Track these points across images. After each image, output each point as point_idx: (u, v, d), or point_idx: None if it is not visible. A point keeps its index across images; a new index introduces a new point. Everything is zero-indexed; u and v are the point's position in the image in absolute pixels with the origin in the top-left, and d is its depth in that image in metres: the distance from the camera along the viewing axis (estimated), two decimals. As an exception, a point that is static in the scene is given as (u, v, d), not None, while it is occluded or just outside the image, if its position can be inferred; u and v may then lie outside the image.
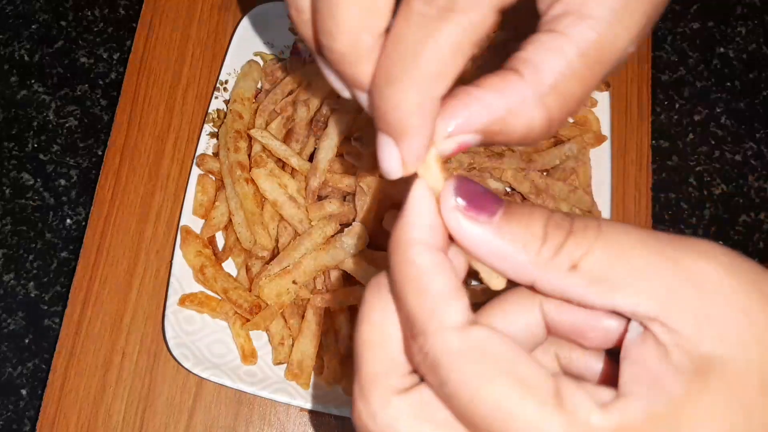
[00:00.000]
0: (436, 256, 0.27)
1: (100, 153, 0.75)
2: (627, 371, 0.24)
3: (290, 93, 0.68)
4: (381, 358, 0.27)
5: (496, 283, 0.27)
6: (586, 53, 0.29)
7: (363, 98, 0.30)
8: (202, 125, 0.69)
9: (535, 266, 0.26)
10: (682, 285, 0.24)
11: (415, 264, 0.26)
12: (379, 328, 0.28)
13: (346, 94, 0.32)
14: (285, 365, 0.62)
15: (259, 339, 0.63)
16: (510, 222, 0.26)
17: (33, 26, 0.79)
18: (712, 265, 0.24)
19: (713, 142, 0.77)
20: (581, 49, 0.29)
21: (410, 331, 0.27)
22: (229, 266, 0.66)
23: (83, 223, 0.72)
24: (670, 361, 0.23)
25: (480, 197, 0.27)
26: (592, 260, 0.25)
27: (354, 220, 0.61)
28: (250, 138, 0.66)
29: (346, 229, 0.59)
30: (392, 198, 0.61)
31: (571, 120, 0.70)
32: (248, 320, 0.61)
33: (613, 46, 0.30)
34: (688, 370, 0.23)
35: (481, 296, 0.49)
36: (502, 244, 0.26)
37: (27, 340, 0.69)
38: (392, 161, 0.29)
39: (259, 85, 0.70)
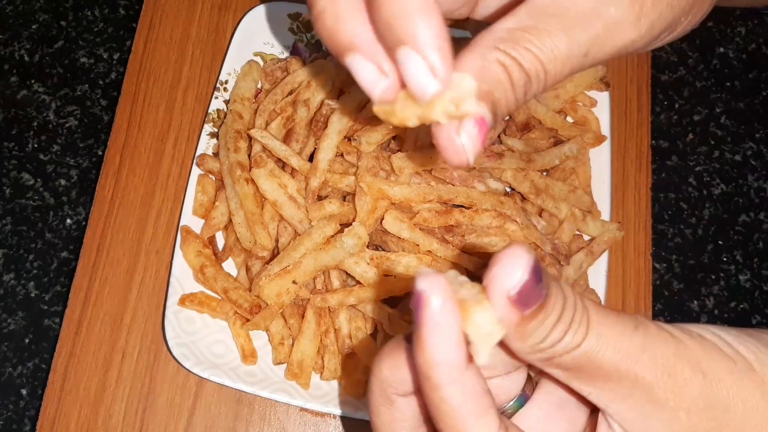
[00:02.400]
0: (466, 391, 0.28)
1: (100, 153, 0.75)
2: None
3: (290, 93, 0.68)
4: None
5: (482, 358, 0.28)
6: (536, 9, 0.31)
7: None
8: (202, 125, 0.69)
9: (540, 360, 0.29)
10: (646, 403, 0.28)
11: (446, 402, 0.28)
12: (388, 425, 0.31)
13: None
14: (285, 365, 0.62)
15: (259, 339, 0.63)
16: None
17: (33, 26, 0.79)
18: (678, 385, 0.28)
19: (713, 142, 0.77)
20: (532, 6, 0.31)
21: None
22: (229, 266, 0.66)
23: (83, 223, 0.72)
24: None
25: (530, 296, 0.27)
26: (577, 355, 0.28)
27: (354, 220, 0.61)
28: (250, 138, 0.66)
29: (346, 229, 0.59)
30: (392, 198, 0.61)
31: (570, 119, 0.70)
32: (248, 320, 0.61)
33: (571, 2, 0.32)
34: None
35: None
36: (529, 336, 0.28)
37: (27, 340, 0.69)
38: (421, 70, 0.29)
39: (259, 85, 0.70)
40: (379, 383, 0.31)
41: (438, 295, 0.27)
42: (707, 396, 0.28)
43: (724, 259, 0.73)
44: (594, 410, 0.33)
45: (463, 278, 0.29)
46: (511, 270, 0.27)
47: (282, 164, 0.65)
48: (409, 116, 0.31)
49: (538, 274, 0.27)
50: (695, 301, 0.71)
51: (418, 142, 0.63)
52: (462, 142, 0.30)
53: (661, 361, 0.28)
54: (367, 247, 0.60)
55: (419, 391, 0.30)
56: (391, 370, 0.30)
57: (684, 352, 0.28)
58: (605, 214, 0.67)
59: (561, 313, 0.27)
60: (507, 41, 0.31)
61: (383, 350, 0.31)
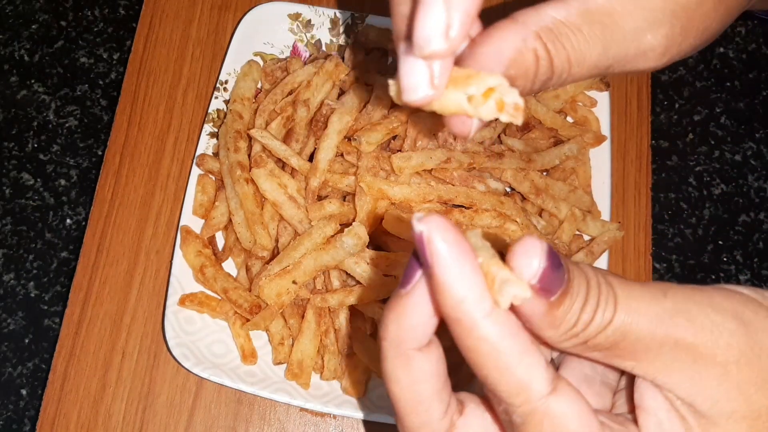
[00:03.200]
0: (503, 324, 0.26)
1: (100, 153, 0.75)
2: (646, 423, 0.29)
3: (290, 93, 0.68)
4: (420, 418, 0.29)
5: (504, 302, 0.27)
6: (587, 11, 0.31)
7: None
8: (202, 125, 0.69)
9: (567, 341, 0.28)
10: (693, 364, 0.28)
11: (485, 340, 0.26)
12: (409, 389, 0.29)
13: None
14: (285, 365, 0.62)
15: (259, 339, 0.63)
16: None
17: (33, 26, 0.79)
18: (723, 338, 0.27)
19: (713, 142, 0.77)
20: (585, 6, 0.31)
21: (491, 393, 0.28)
22: (229, 266, 0.66)
23: (83, 223, 0.72)
24: (681, 421, 0.28)
25: (552, 280, 0.27)
26: (611, 332, 0.28)
27: (354, 220, 0.61)
28: (250, 138, 0.66)
29: (346, 229, 0.59)
30: (391, 198, 0.61)
31: (570, 119, 0.70)
32: (248, 320, 0.61)
33: (619, 17, 0.32)
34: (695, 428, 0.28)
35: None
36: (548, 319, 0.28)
37: (27, 340, 0.69)
38: (438, 24, 0.28)
39: (259, 85, 0.70)
40: (390, 344, 0.29)
41: (439, 230, 0.26)
42: (754, 345, 0.27)
43: (724, 259, 0.73)
44: (628, 382, 0.33)
45: (487, 243, 0.28)
46: (528, 260, 0.26)
47: (282, 164, 0.65)
48: (445, 109, 0.30)
49: (555, 259, 0.26)
50: (695, 301, 0.71)
51: (418, 142, 0.63)
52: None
53: (700, 319, 0.27)
54: (367, 247, 0.60)
55: (438, 331, 0.29)
56: (398, 323, 0.29)
57: (724, 305, 0.28)
58: (605, 214, 0.67)
59: (587, 294, 0.27)
60: (550, 32, 0.31)
61: (384, 311, 0.29)
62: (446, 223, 0.26)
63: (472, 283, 0.26)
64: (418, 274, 0.28)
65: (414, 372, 0.29)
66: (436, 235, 0.26)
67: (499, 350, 0.26)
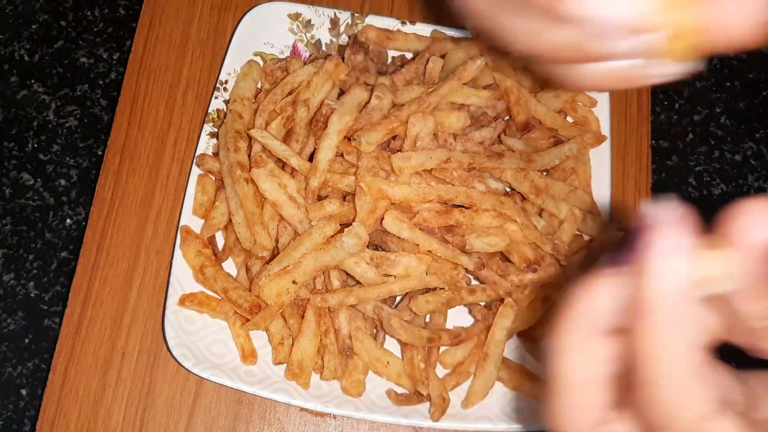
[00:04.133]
0: (683, 334, 0.25)
1: (100, 153, 0.75)
2: None
3: (290, 93, 0.68)
4: (581, 400, 0.28)
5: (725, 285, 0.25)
6: None
7: None
8: (202, 125, 0.69)
9: None
10: None
11: (662, 344, 0.25)
12: (582, 368, 0.28)
13: None
14: (285, 365, 0.62)
15: (259, 339, 0.63)
16: None
17: (33, 26, 0.79)
18: None
19: (713, 142, 0.77)
20: None
21: (646, 404, 0.26)
22: (229, 266, 0.66)
23: (83, 223, 0.72)
24: None
25: None
26: None
27: (354, 220, 0.61)
28: (250, 138, 0.66)
29: (346, 229, 0.59)
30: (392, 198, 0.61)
31: (570, 119, 0.70)
32: (248, 320, 0.61)
33: None
34: None
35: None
36: None
37: (27, 340, 0.69)
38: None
39: (259, 85, 0.70)
40: (577, 316, 0.27)
41: (671, 220, 0.24)
42: None
43: (724, 259, 0.73)
44: None
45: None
46: (763, 220, 0.24)
47: (282, 164, 0.65)
48: None
49: None
50: (695, 301, 0.71)
51: (417, 142, 0.63)
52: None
53: None
54: (367, 247, 0.60)
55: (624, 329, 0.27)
56: (596, 300, 0.27)
57: None
58: (605, 214, 0.67)
59: None
60: None
61: (583, 285, 0.27)
62: (681, 215, 0.25)
63: (678, 284, 0.24)
64: (635, 259, 0.26)
65: (592, 352, 0.27)
66: (668, 223, 0.25)
67: (677, 357, 0.25)
